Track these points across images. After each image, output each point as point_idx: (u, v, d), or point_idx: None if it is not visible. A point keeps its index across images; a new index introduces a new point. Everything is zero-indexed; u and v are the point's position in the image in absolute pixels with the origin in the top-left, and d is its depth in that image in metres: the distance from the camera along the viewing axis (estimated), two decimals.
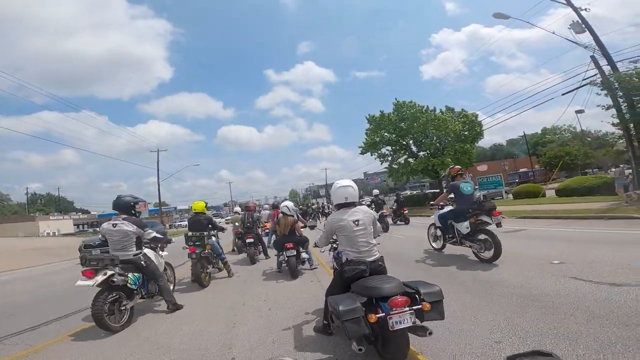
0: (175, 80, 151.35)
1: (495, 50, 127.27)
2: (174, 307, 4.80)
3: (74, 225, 56.22)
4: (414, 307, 2.50)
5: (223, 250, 7.27)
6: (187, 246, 6.51)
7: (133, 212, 4.88)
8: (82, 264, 4.30)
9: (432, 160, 27.00)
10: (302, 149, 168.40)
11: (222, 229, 7.59)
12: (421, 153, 29.49)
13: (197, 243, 6.50)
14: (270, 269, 7.64)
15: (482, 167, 45.70)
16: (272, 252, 9.13)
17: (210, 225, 6.92)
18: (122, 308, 4.29)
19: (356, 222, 3.10)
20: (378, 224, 3.39)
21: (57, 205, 71.15)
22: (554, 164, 37.55)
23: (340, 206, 3.25)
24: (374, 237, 3.25)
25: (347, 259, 3.12)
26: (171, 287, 5.64)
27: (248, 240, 8.84)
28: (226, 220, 23.18)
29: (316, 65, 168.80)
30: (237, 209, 13.25)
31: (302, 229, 7.34)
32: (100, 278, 4.12)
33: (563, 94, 16.27)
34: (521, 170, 45.30)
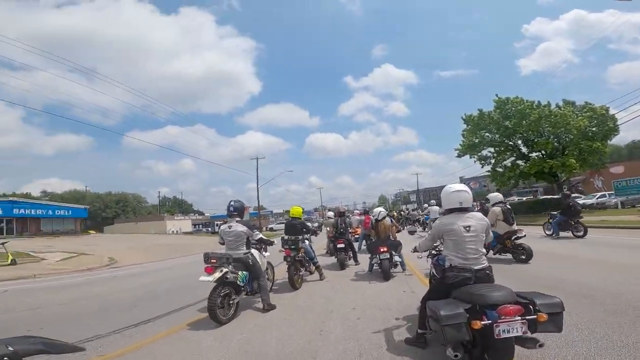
0: (263, 94, 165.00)
1: (613, 37, 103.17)
2: (269, 307, 4.99)
3: (192, 224, 65.31)
4: (527, 317, 2.32)
5: (315, 254, 7.42)
6: (283, 249, 6.83)
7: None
8: (205, 261, 4.78)
9: (550, 162, 23.17)
10: (388, 153, 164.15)
11: (316, 233, 7.77)
12: (534, 154, 25.67)
13: (292, 247, 6.75)
14: (362, 271, 7.78)
15: (617, 169, 37.21)
16: (361, 258, 8.95)
17: (304, 230, 7.14)
18: (231, 302, 4.64)
19: (467, 228, 2.96)
20: (491, 233, 3.23)
21: (180, 207, 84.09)
22: None
23: (451, 210, 3.12)
24: (485, 245, 3.10)
25: (450, 264, 3.00)
26: (270, 286, 5.96)
27: (339, 246, 8.81)
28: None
29: (395, 68, 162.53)
30: (330, 213, 13.50)
31: (397, 234, 7.54)
32: (217, 274, 4.53)
33: None
34: None
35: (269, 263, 6.13)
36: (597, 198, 26.09)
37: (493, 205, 8.19)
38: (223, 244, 5.27)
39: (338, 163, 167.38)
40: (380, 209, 8.00)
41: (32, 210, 39.00)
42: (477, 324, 2.31)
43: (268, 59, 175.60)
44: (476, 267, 2.88)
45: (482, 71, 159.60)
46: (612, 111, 23.07)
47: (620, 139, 44.33)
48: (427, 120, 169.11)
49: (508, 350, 2.38)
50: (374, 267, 7.31)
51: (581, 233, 10.64)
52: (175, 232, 53.34)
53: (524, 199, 37.38)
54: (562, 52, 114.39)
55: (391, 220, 8.03)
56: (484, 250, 3.03)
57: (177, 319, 4.95)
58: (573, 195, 28.17)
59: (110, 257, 15.53)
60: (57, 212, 42.16)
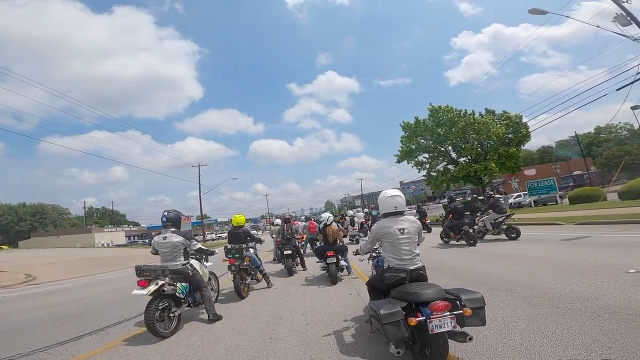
0: (205, 99, 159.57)
1: (525, 50, 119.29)
2: (214, 317, 4.87)
3: (126, 236, 60.06)
4: (455, 312, 2.52)
5: (262, 262, 7.36)
6: (227, 258, 6.66)
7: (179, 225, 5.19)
8: (137, 274, 4.52)
9: (475, 166, 25.75)
10: (333, 160, 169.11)
11: (260, 241, 7.68)
12: (462, 159, 28.28)
13: (236, 255, 6.62)
14: (311, 276, 7.92)
15: (530, 172, 42.69)
16: (309, 262, 9.03)
17: (248, 238, 7.06)
18: (171, 315, 4.49)
19: (402, 231, 3.17)
20: (423, 235, 3.44)
21: (111, 218, 76.75)
22: (612, 165, 34.35)
23: (387, 215, 3.32)
24: (417, 246, 3.30)
25: (388, 265, 3.22)
26: (215, 296, 5.83)
27: (286, 252, 8.85)
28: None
29: (338, 75, 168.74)
30: (277, 221, 13.57)
31: (343, 239, 7.82)
32: (152, 287, 4.35)
33: (618, 89, 14.79)
34: (575, 173, 41.86)
35: (212, 273, 5.99)
36: (514, 198, 29.47)
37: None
38: (156, 254, 5.03)
39: (284, 169, 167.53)
40: (328, 214, 8.19)
41: None
42: (413, 321, 2.50)
43: (211, 63, 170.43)
44: (411, 267, 3.09)
45: (417, 81, 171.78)
46: (524, 119, 26.34)
47: (532, 145, 50.98)
48: (369, 126, 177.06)
49: (443, 344, 2.55)
50: (322, 272, 7.51)
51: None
52: (106, 245, 48.63)
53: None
54: (483, 64, 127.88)
55: (338, 225, 8.30)
56: (418, 251, 3.23)
57: (112, 335, 4.65)
58: (497, 195, 31.82)
59: (27, 273, 13.75)
60: None
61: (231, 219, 7.60)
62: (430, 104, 28.17)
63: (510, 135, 26.39)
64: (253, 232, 7.93)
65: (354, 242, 14.26)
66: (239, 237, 6.93)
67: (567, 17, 15.34)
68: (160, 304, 4.34)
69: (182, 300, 4.72)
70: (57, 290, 10.45)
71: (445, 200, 31.25)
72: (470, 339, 2.54)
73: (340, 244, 7.46)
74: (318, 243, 8.47)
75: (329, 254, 7.02)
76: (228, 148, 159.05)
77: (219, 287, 6.42)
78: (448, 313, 2.49)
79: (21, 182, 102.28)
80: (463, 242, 10.31)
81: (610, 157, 36.88)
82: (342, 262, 7.24)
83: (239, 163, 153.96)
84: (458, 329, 2.54)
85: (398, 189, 5.36)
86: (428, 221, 17.60)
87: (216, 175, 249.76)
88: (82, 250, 31.23)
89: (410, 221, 3.26)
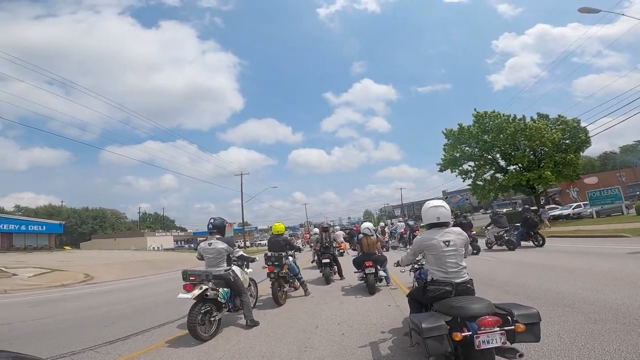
0: (246, 110, 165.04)
1: (577, 51, 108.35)
2: (252, 323, 4.92)
3: (174, 241, 63.67)
4: (506, 328, 2.35)
5: (300, 270, 7.40)
6: (266, 265, 6.75)
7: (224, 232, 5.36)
8: (183, 278, 4.70)
9: (527, 175, 23.93)
10: (371, 169, 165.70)
11: (299, 249, 7.79)
12: (511, 167, 26.47)
13: (276, 263, 6.69)
14: (348, 285, 7.84)
15: (591, 180, 38.87)
16: (347, 272, 8.90)
17: (287, 246, 7.10)
18: (212, 319, 4.58)
19: (447, 243, 3.03)
20: (470, 247, 3.34)
21: (162, 223, 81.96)
22: None
23: (431, 226, 3.21)
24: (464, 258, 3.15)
25: (432, 278, 3.09)
26: (253, 302, 5.94)
27: (324, 261, 8.85)
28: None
29: (374, 83, 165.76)
30: (316, 230, 13.74)
31: (382, 249, 7.87)
32: (197, 292, 4.47)
33: None
34: None
35: (251, 279, 6.09)
36: (573, 208, 26.96)
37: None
38: (201, 259, 5.23)
39: (322, 179, 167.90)
40: (368, 224, 8.06)
41: (4, 225, 37.08)
42: (458, 336, 2.35)
43: (250, 74, 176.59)
44: (457, 281, 2.94)
45: (457, 87, 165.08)
46: (582, 124, 24.18)
47: (592, 151, 46.45)
48: (408, 134, 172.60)
49: None
50: (359, 282, 7.40)
51: (540, 242, 11.87)
52: (156, 248, 51.84)
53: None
54: (530, 67, 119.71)
55: (377, 236, 8.14)
56: (465, 264, 3.08)
57: (156, 336, 4.81)
58: (549, 206, 29.26)
59: (86, 273, 14.95)
60: (31, 227, 40.22)
61: (271, 227, 7.73)
62: (475, 109, 26.86)
63: (567, 141, 24.30)
64: (292, 240, 8.11)
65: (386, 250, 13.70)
66: (278, 244, 7.00)
67: (622, 14, 13.94)
68: (202, 308, 4.45)
69: (223, 305, 4.82)
70: (110, 290, 11.20)
71: (490, 211, 29.49)
72: (521, 355, 2.34)
73: (379, 254, 7.32)
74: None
75: (367, 264, 6.90)
76: (268, 157, 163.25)
77: (257, 293, 6.50)
78: (498, 329, 2.33)
79: (85, 188, 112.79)
80: (504, 247, 12.20)
81: None
82: (381, 273, 7.08)
83: (278, 172, 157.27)
84: (508, 344, 2.37)
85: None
86: (474, 232, 15.54)
87: (257, 184, 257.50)
88: (135, 253, 33.54)
89: (456, 233, 3.12)
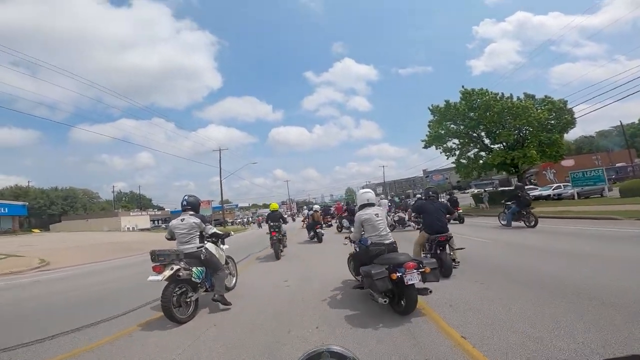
0: (224, 88, 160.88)
1: (556, 39, 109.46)
2: (219, 299, 4.66)
3: (150, 220, 61.53)
4: (420, 270, 3.76)
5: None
6: (270, 232, 10.05)
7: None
8: (152, 259, 4.47)
9: (512, 153, 23.72)
10: (352, 147, 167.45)
11: (286, 221, 11.46)
12: (496, 145, 26.24)
13: (276, 230, 10.03)
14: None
15: (568, 162, 39.57)
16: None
17: (281, 219, 10.58)
18: (188, 300, 4.46)
19: (377, 215, 4.53)
20: (388, 217, 5.63)
21: (138, 202, 78.96)
22: None
23: (363, 206, 4.73)
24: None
25: (371, 242, 4.41)
26: (233, 280, 6.08)
27: (310, 233, 14.33)
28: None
29: (355, 62, 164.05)
30: (306, 211, 18.80)
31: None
32: (167, 273, 4.28)
33: None
34: (618, 165, 38.68)
35: (229, 257, 5.92)
36: (553, 189, 27.25)
37: None
38: (170, 239, 5.12)
39: (303, 156, 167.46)
40: (316, 205, 11.62)
41: None
42: (394, 276, 3.68)
43: (229, 53, 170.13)
44: (386, 242, 4.36)
45: (438, 70, 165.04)
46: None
47: (568, 135, 47.39)
48: (388, 114, 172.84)
49: (414, 295, 3.71)
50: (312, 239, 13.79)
51: (532, 223, 11.29)
52: (131, 229, 49.90)
53: (484, 190, 38.64)
54: (509, 54, 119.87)
55: (320, 214, 15.57)
56: (389, 230, 4.62)
57: (128, 321, 4.47)
58: (527, 187, 29.51)
59: (42, 258, 13.59)
60: None
61: (269, 205, 12.04)
62: (463, 86, 26.15)
63: (552, 122, 24.15)
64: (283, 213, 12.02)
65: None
66: (276, 217, 10.40)
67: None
68: (177, 289, 4.30)
69: (199, 285, 4.69)
70: (66, 276, 10.13)
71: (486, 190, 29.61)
72: (430, 291, 3.85)
73: (321, 222, 14.83)
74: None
75: (317, 228, 13.68)
76: (249, 135, 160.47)
77: (237, 270, 6.40)
78: (416, 270, 3.71)
79: (57, 169, 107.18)
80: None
81: None
82: (320, 231, 13.58)
83: (259, 149, 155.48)
84: (422, 284, 3.80)
85: (368, 187, 5.59)
86: (460, 211, 16.04)
87: (237, 161, 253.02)
88: (108, 234, 31.88)
89: (380, 209, 4.74)
